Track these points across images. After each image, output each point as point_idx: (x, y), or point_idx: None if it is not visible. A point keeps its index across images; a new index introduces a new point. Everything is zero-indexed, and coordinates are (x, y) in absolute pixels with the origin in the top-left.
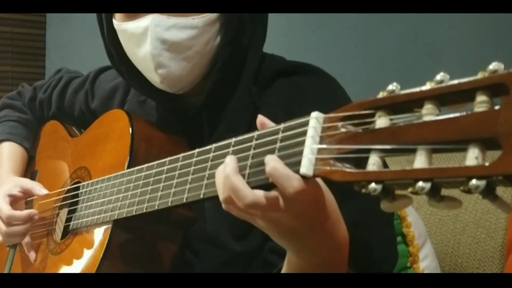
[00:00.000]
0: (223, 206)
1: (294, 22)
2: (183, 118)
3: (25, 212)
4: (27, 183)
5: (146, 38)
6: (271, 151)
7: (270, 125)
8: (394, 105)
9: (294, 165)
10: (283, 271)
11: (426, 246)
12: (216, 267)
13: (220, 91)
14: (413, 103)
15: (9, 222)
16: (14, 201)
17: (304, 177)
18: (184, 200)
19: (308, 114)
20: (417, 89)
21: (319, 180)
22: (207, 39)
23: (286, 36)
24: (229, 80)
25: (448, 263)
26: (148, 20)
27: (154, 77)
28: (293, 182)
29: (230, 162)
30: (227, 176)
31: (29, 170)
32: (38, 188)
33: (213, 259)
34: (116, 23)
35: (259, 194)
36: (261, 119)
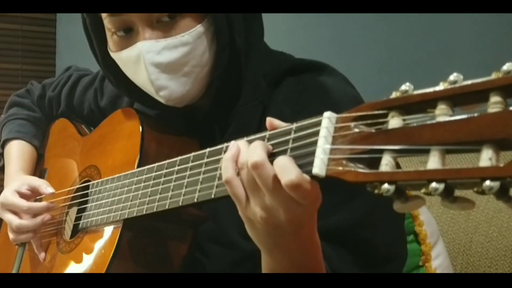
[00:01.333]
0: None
1: (305, 20)
2: (192, 122)
3: (44, 203)
4: (35, 181)
5: (140, 65)
6: (283, 152)
7: (280, 125)
8: (407, 106)
9: (306, 166)
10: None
11: (438, 245)
12: (226, 266)
13: (226, 95)
14: (427, 103)
15: (27, 214)
16: (23, 198)
17: (315, 178)
18: (195, 200)
19: (318, 112)
20: (430, 90)
21: None
22: (201, 51)
23: (296, 34)
24: (233, 82)
25: (460, 262)
26: (137, 49)
27: (159, 99)
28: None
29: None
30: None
31: (38, 169)
32: (44, 186)
33: (223, 259)
34: (112, 53)
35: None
36: (270, 120)
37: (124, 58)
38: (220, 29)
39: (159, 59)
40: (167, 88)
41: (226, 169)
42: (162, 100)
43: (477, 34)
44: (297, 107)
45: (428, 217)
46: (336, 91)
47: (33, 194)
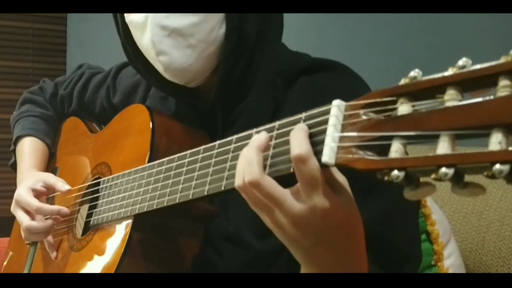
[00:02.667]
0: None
1: (317, 19)
2: (201, 113)
3: (55, 206)
4: (50, 178)
5: (147, 25)
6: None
7: None
8: (416, 92)
9: (316, 154)
10: None
11: (451, 244)
12: (237, 266)
13: (232, 84)
14: (435, 89)
15: (37, 214)
16: (37, 196)
17: (325, 166)
18: (206, 193)
19: None
20: (439, 75)
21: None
22: (211, 27)
23: (307, 34)
24: (242, 72)
25: (473, 261)
26: None
27: (157, 66)
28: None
29: (255, 139)
30: (246, 148)
31: (49, 167)
32: (60, 184)
33: (234, 258)
34: (126, 16)
35: (267, 177)
36: None
37: (133, 20)
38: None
39: (166, 22)
40: (167, 54)
41: (252, 163)
42: (160, 67)
43: (486, 33)
44: (311, 106)
45: (440, 216)
46: (350, 91)
47: (48, 191)
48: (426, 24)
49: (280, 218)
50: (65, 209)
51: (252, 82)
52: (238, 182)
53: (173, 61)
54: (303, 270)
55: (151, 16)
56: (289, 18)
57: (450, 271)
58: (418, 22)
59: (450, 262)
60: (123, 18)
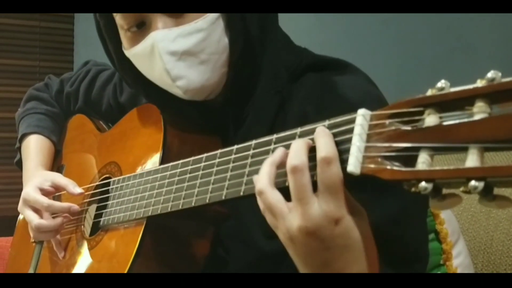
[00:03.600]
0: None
1: (326, 17)
2: (208, 115)
3: (66, 204)
4: (60, 179)
5: (155, 55)
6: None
7: None
8: (444, 103)
9: (341, 163)
10: None
11: (459, 243)
12: (247, 265)
13: (241, 85)
14: (464, 101)
15: (47, 212)
16: (45, 195)
17: (350, 176)
18: (223, 197)
19: (341, 111)
20: (468, 87)
21: None
22: (217, 37)
23: (314, 33)
24: (249, 71)
25: (481, 260)
26: (151, 39)
27: (176, 91)
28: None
29: (277, 153)
30: (266, 161)
31: (55, 165)
32: (72, 186)
33: (244, 258)
34: (126, 51)
35: (271, 191)
36: None
37: (138, 52)
38: (232, 15)
39: (174, 47)
40: (184, 77)
41: (267, 175)
42: (179, 92)
43: (497, 31)
44: (320, 105)
45: (448, 216)
46: (359, 90)
47: (56, 191)
48: (434, 23)
49: (282, 229)
50: (75, 206)
51: (258, 77)
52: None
53: (191, 81)
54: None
55: (157, 44)
56: (296, 17)
57: (458, 271)
58: (426, 21)
59: (459, 262)
60: (117, 52)
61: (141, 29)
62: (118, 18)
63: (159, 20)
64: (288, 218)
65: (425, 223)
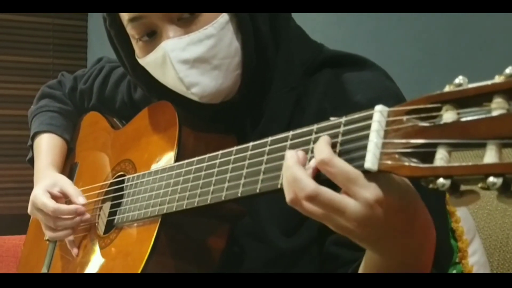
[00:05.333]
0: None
1: (340, 16)
2: (224, 116)
3: (72, 206)
4: (68, 187)
5: (167, 65)
6: (333, 145)
7: None
8: (462, 99)
9: (358, 160)
10: (363, 268)
11: (475, 241)
12: (262, 263)
13: (256, 84)
14: (482, 97)
15: (55, 216)
16: (53, 199)
17: (367, 172)
18: (239, 195)
19: (358, 107)
20: (487, 83)
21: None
22: (228, 42)
23: (332, 30)
24: (263, 70)
25: (497, 259)
26: (162, 49)
27: (192, 97)
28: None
29: (291, 155)
30: (287, 167)
31: (68, 163)
32: (76, 196)
33: (260, 255)
34: (139, 59)
35: (323, 187)
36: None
37: (151, 61)
38: (242, 18)
39: (185, 55)
40: (198, 84)
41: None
42: (195, 98)
43: (510, 29)
44: (337, 101)
45: (464, 214)
46: (377, 86)
47: (64, 198)
48: (451, 20)
49: (345, 224)
50: (82, 208)
51: (272, 75)
52: (290, 196)
53: (206, 87)
54: (372, 258)
55: (168, 54)
56: (312, 14)
57: (474, 269)
58: (443, 18)
59: (475, 260)
60: (129, 59)
61: (152, 38)
62: (129, 28)
63: (169, 29)
64: (350, 205)
65: (447, 219)
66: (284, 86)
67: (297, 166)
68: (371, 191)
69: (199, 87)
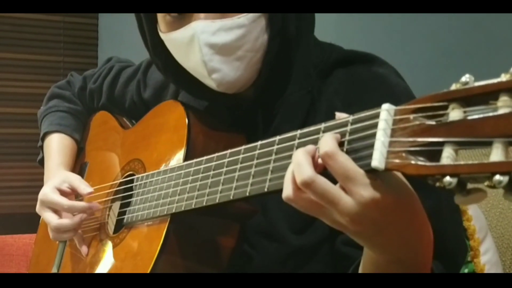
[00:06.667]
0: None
1: (353, 14)
2: (236, 112)
3: (85, 203)
4: (74, 180)
5: (194, 46)
6: (340, 144)
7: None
8: (468, 98)
9: (365, 158)
10: (362, 264)
11: (487, 240)
12: (273, 261)
13: (273, 83)
14: (488, 95)
15: (69, 212)
16: (63, 195)
17: (374, 171)
18: (247, 194)
19: (369, 105)
20: (493, 81)
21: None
22: (256, 35)
23: (345, 28)
24: (281, 70)
25: (509, 257)
26: (192, 29)
27: (210, 83)
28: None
29: (301, 149)
30: (295, 154)
31: (78, 163)
32: (82, 187)
33: (270, 253)
34: (162, 34)
35: (320, 176)
36: (338, 114)
37: (176, 38)
38: (274, 14)
39: (214, 40)
40: (220, 71)
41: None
42: (213, 84)
43: None
44: (348, 99)
45: (476, 212)
46: (387, 83)
47: (74, 192)
48: (462, 20)
49: (338, 218)
50: (96, 205)
51: (289, 75)
52: (286, 192)
53: (225, 75)
54: (369, 254)
55: (197, 35)
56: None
57: (486, 268)
58: (454, 18)
59: (487, 259)
60: (152, 34)
61: (182, 15)
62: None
63: None
64: (344, 198)
65: (460, 216)
66: (300, 88)
67: (304, 152)
68: (368, 190)
69: (220, 74)
